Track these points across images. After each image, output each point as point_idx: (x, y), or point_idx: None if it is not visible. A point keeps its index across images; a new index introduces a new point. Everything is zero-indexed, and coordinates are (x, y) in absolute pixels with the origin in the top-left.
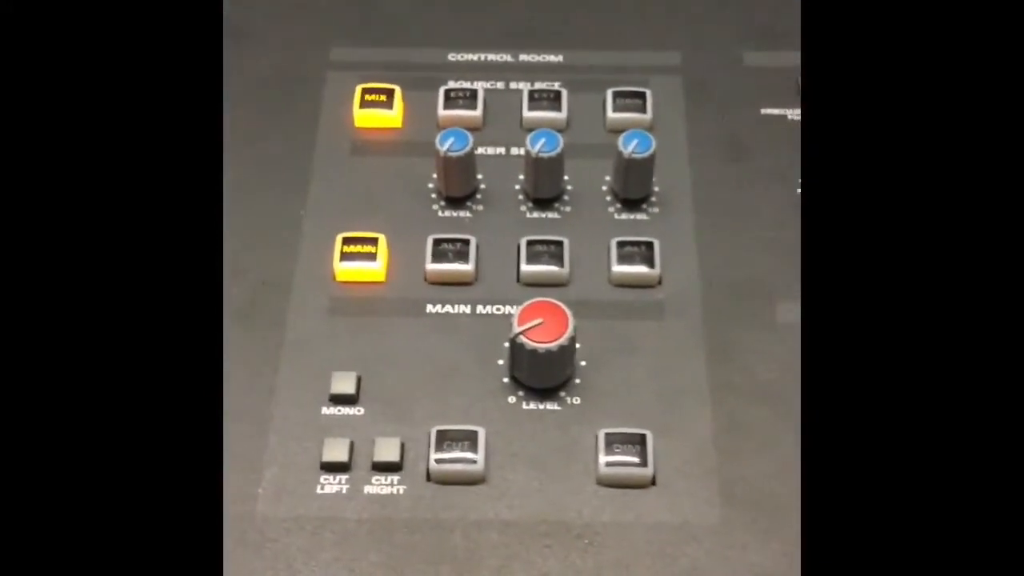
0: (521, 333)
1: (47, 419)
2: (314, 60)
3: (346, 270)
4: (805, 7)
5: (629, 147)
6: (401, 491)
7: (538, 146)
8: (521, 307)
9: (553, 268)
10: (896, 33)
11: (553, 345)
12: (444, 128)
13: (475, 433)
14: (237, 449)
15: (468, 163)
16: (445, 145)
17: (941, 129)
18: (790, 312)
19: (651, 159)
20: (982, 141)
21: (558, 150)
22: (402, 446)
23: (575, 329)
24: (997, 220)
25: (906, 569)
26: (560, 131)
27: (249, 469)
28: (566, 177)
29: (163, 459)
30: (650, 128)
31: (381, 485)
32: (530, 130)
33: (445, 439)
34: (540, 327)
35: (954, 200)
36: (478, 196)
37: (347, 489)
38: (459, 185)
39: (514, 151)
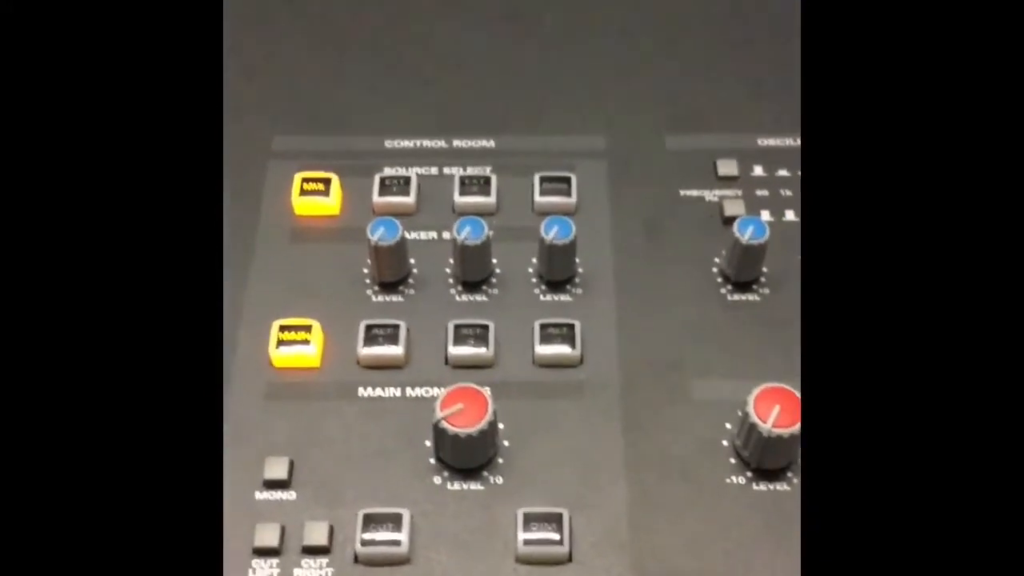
0: (443, 419)
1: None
2: (257, 149)
3: (282, 356)
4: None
5: (550, 234)
6: (329, 573)
7: (464, 234)
8: (444, 392)
9: (480, 350)
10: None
11: (473, 430)
12: (379, 215)
13: (399, 515)
14: None
15: (399, 251)
16: (376, 235)
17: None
18: (704, 389)
19: (572, 244)
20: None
21: (483, 238)
22: (331, 529)
23: (495, 413)
24: (991, 262)
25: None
26: (490, 215)
27: None
28: (495, 260)
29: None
30: (575, 211)
31: (310, 568)
32: (462, 214)
33: (371, 521)
34: (460, 412)
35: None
36: (410, 280)
37: (277, 573)
38: (391, 272)
39: (445, 235)
